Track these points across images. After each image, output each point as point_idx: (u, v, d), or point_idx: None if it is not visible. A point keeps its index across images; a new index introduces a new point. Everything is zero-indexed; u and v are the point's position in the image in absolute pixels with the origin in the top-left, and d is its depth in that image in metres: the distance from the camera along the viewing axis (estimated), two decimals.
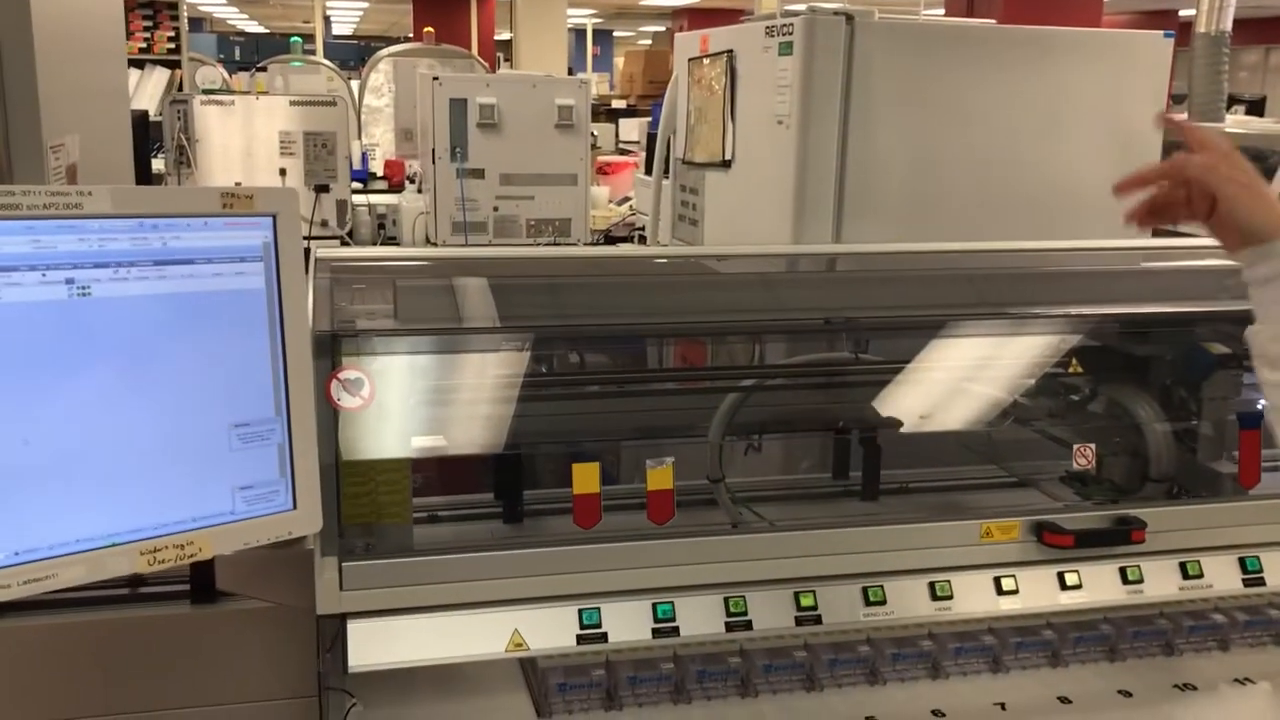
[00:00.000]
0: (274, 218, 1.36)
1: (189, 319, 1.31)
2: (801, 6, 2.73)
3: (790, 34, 2.69)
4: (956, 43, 2.82)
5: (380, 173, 7.36)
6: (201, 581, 1.68)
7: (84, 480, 1.26)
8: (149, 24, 8.08)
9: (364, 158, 7.36)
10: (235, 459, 1.35)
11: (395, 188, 6.79)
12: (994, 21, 3.05)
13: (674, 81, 3.49)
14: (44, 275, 1.22)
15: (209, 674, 1.69)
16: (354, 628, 1.50)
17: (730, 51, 3.01)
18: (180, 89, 7.42)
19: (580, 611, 1.57)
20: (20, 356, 1.22)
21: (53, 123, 2.60)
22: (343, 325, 1.63)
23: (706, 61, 3.18)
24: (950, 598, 1.66)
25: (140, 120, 4.60)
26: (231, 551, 1.41)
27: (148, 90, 7.43)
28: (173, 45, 8.11)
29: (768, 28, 2.79)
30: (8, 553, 1.22)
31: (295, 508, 1.40)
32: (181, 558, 1.34)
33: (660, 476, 1.66)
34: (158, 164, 5.68)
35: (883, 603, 1.64)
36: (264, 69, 7.07)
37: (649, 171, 5.17)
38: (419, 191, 5.99)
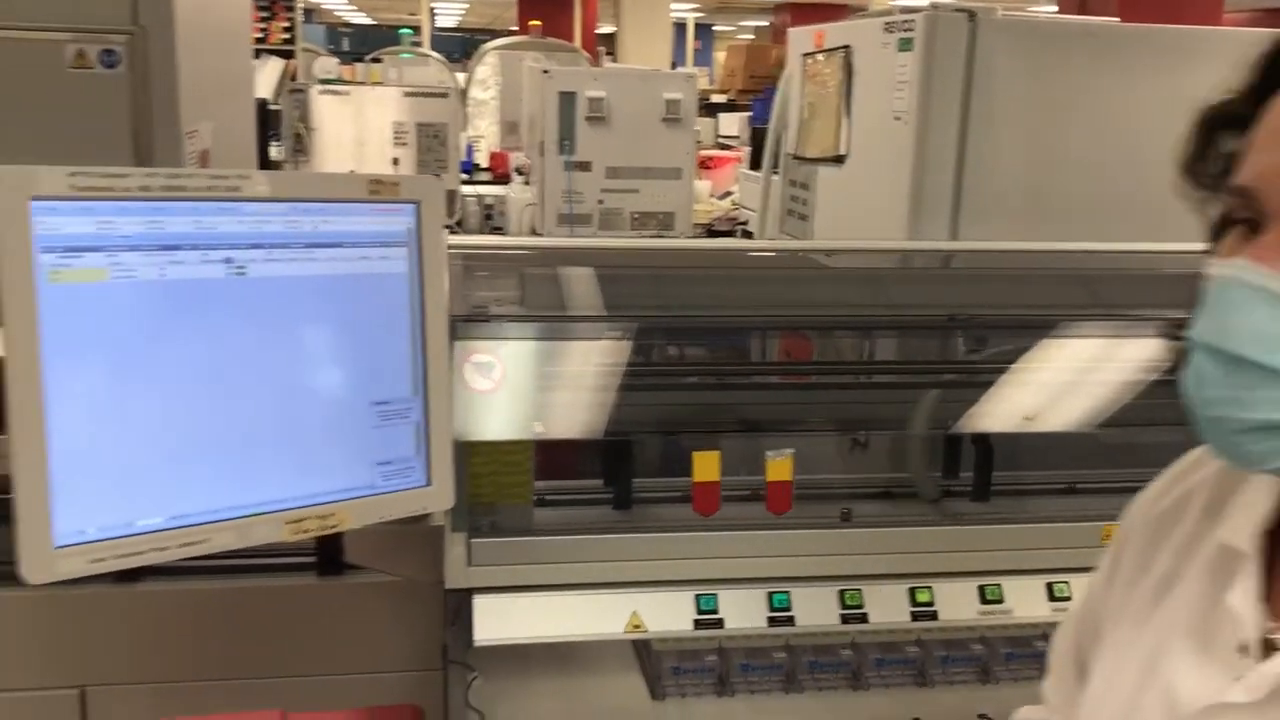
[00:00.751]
0: (418, 205, 1.41)
1: (336, 300, 1.37)
2: (923, 2, 2.72)
3: (911, 30, 2.68)
4: (1080, 41, 2.78)
5: (484, 164, 7.47)
6: (329, 554, 1.75)
7: (235, 451, 1.33)
8: (265, 15, 8.33)
9: (469, 149, 7.48)
10: (375, 435, 1.40)
11: (499, 179, 6.89)
12: (1119, 20, 3.00)
13: (786, 76, 3.50)
14: (205, 254, 1.29)
15: (334, 644, 1.75)
16: (480, 603, 1.54)
17: (847, 47, 3.01)
18: (293, 79, 7.62)
19: (697, 597, 1.59)
20: (180, 332, 1.28)
21: (188, 110, 2.71)
22: (475, 310, 1.67)
23: (821, 57, 3.18)
24: (1068, 599, 1.66)
25: (260, 108, 4.74)
26: (368, 524, 1.46)
27: (263, 80, 7.65)
28: (287, 36, 8.36)
29: (887, 24, 2.78)
30: (166, 516, 1.28)
31: (430, 484, 1.45)
32: (323, 528, 1.39)
33: (779, 467, 1.68)
34: (274, 152, 5.84)
35: (1000, 601, 1.64)
36: (379, 60, 7.23)
37: (755, 166, 5.17)
38: (526, 183, 6.07)
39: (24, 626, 1.71)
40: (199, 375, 1.29)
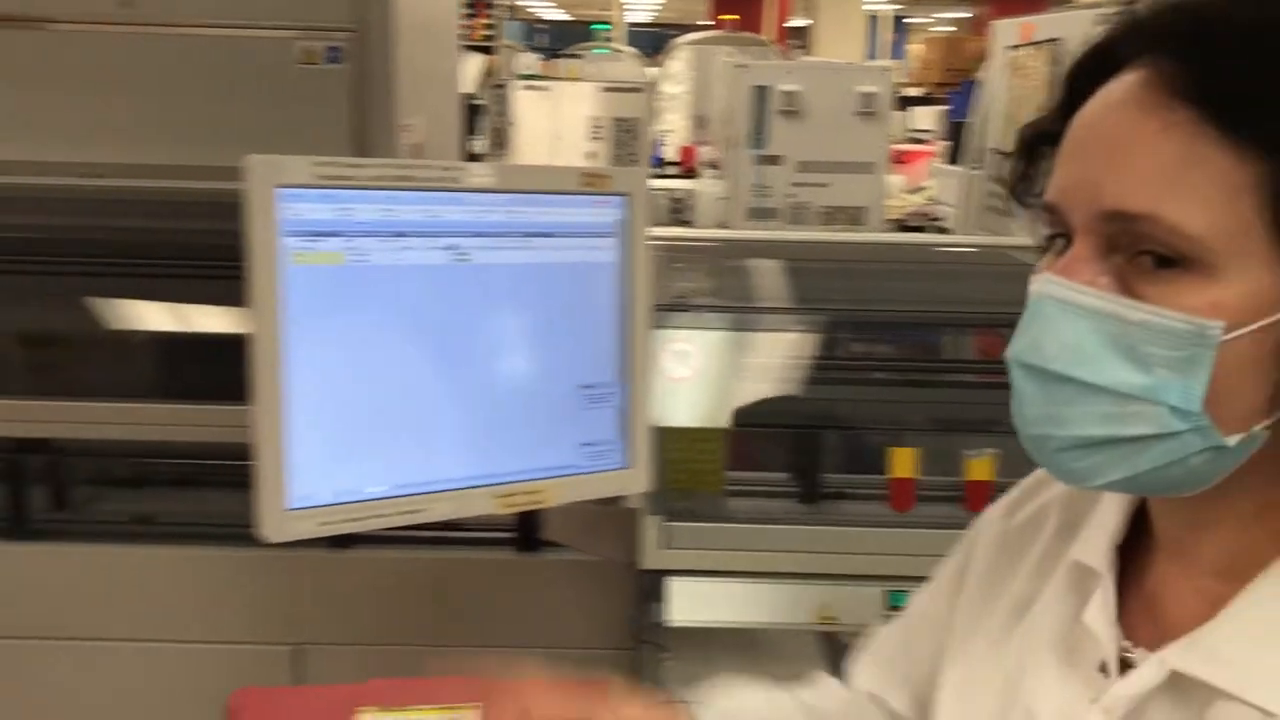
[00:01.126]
0: (627, 197, 1.45)
1: (549, 287, 1.43)
2: None
3: None
4: None
5: (672, 158, 7.54)
6: (528, 531, 1.82)
7: (453, 426, 1.41)
8: (469, 12, 8.61)
9: (657, 144, 7.55)
10: (581, 417, 1.46)
11: (687, 173, 6.94)
12: None
13: (989, 70, 3.42)
14: (432, 241, 1.37)
15: (530, 617, 1.82)
16: (675, 585, 1.58)
17: (1055, 40, 2.92)
18: (488, 74, 7.85)
19: (888, 593, 1.59)
20: (408, 313, 1.37)
21: (403, 104, 2.84)
22: (675, 300, 1.71)
23: (1027, 49, 3.10)
24: None
25: (465, 103, 4.92)
26: (570, 502, 1.52)
27: (466, 75, 7.90)
28: (489, 33, 8.62)
29: (1100, 16, 2.69)
30: (390, 485, 1.37)
31: (629, 467, 1.50)
32: (530, 503, 1.46)
33: (980, 467, 1.66)
34: (474, 145, 6.03)
35: None
36: (577, 56, 7.39)
37: (953, 161, 5.06)
38: (715, 177, 6.10)
39: (246, 585, 1.84)
40: (423, 354, 1.38)
